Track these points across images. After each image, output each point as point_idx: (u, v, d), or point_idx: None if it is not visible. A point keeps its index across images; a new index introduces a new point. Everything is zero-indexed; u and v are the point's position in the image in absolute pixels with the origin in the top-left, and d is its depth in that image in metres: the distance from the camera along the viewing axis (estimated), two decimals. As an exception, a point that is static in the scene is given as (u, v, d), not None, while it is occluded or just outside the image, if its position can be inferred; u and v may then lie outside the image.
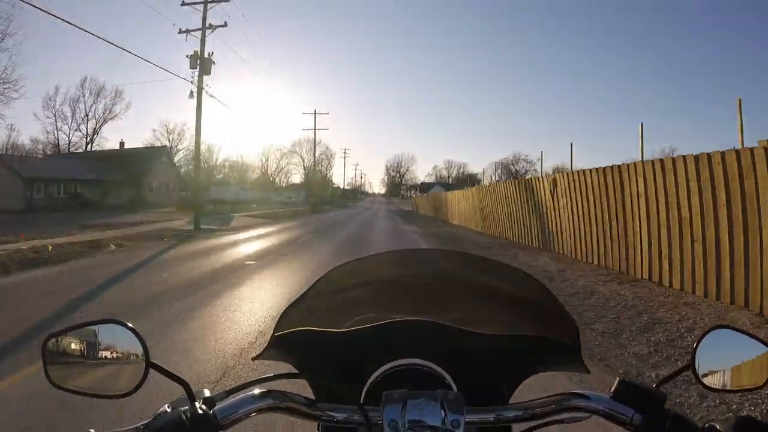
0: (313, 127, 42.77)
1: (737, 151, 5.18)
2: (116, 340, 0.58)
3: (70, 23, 14.21)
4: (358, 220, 27.09)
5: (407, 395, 0.58)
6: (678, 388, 2.92)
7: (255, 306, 5.21)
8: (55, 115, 48.81)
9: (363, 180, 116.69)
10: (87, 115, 48.91)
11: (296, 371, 0.70)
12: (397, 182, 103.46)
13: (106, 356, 0.58)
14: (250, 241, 13.26)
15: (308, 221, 24.34)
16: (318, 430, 0.67)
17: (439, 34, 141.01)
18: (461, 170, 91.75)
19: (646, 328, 4.40)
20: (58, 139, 48.91)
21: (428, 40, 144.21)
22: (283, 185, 76.34)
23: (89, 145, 48.69)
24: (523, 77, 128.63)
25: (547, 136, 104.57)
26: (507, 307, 0.74)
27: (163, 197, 40.09)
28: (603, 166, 7.83)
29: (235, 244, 12.54)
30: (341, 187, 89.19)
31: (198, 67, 17.66)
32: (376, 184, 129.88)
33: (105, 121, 49.99)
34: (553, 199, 9.86)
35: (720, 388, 0.61)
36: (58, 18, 13.05)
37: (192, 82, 17.53)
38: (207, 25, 17.83)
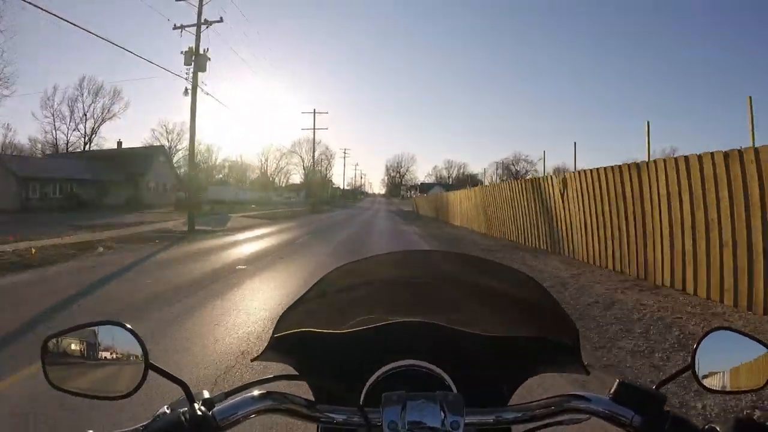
0: (312, 127, 42.24)
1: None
2: (115, 342, 0.58)
3: (69, 21, 13.74)
4: (357, 220, 26.70)
5: (407, 396, 0.58)
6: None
7: (239, 319, 4.70)
8: (53, 115, 48.69)
9: (363, 180, 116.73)
10: (85, 115, 48.82)
11: (296, 373, 0.70)
12: (397, 182, 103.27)
13: (105, 357, 0.58)
14: (244, 243, 12.75)
15: (307, 222, 23.93)
16: (317, 431, 0.66)
17: (439, 34, 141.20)
18: (461, 170, 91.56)
19: (680, 345, 3.89)
20: (56, 139, 48.79)
21: (428, 40, 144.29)
22: (283, 185, 76.12)
23: (88, 145, 48.43)
24: (523, 77, 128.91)
25: (547, 136, 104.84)
26: (506, 309, 0.73)
27: (161, 197, 39.88)
28: (619, 164, 7.32)
29: (228, 246, 12.03)
30: (341, 187, 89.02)
31: (193, 63, 17.18)
32: (376, 184, 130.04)
33: (103, 120, 49.93)
34: (563, 200, 9.34)
35: (720, 389, 0.61)
36: (54, 15, 12.56)
37: (187, 79, 17.05)
38: (202, 21, 17.34)
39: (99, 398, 0.58)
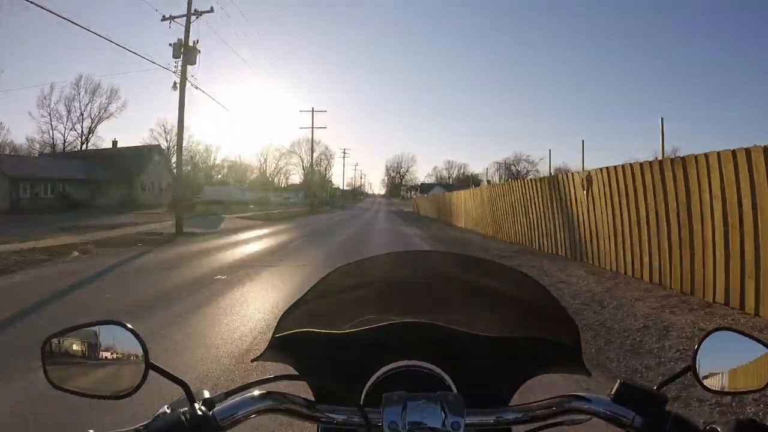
0: (310, 125, 41.20)
1: None
2: (116, 341, 0.58)
3: (49, 10, 12.66)
4: (357, 222, 25.81)
5: (407, 397, 0.58)
6: None
7: (195, 357, 3.69)
8: (50, 114, 47.89)
9: (363, 180, 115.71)
10: (82, 114, 47.98)
11: (296, 373, 0.69)
12: (397, 183, 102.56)
13: (105, 357, 0.58)
14: (232, 247, 11.76)
15: (304, 223, 23.01)
16: (317, 431, 0.66)
17: (439, 34, 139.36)
18: (461, 171, 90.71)
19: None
20: (53, 139, 48.08)
21: (428, 41, 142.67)
22: (282, 186, 75.29)
23: (85, 145, 47.67)
24: (523, 77, 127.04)
25: (547, 136, 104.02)
26: (507, 309, 0.73)
27: (157, 197, 39.19)
28: (661, 159, 6.30)
29: (214, 250, 11.02)
30: (341, 187, 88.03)
31: (182, 56, 16.20)
32: (376, 184, 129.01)
33: (101, 119, 49.16)
34: (586, 200, 8.32)
35: (721, 390, 0.61)
36: (36, 5, 11.62)
37: (175, 72, 16.08)
38: (192, 11, 16.36)
39: (99, 398, 0.57)
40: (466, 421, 0.56)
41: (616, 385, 0.58)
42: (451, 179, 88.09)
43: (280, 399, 0.59)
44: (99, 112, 48.53)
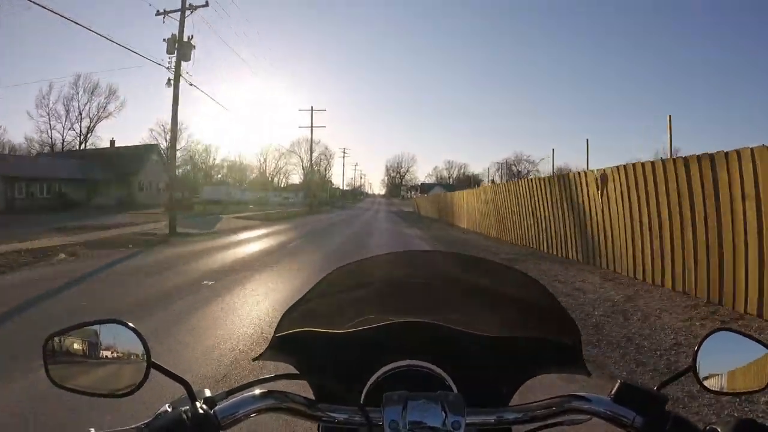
0: (310, 125, 40.70)
1: None
2: (117, 340, 0.57)
3: (42, 5, 12.16)
4: (356, 222, 25.34)
5: (408, 396, 0.58)
6: None
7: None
8: (48, 114, 47.35)
9: (363, 180, 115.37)
10: (81, 114, 47.50)
11: (297, 372, 0.69)
12: (397, 183, 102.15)
13: (107, 356, 0.57)
14: (226, 249, 11.27)
15: (303, 223, 22.54)
16: (318, 430, 0.66)
17: (439, 34, 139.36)
18: (462, 171, 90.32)
19: None
20: (52, 138, 47.56)
21: (428, 41, 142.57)
22: (282, 186, 74.83)
23: (83, 144, 47.21)
24: (523, 77, 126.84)
25: (547, 136, 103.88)
26: (507, 309, 0.72)
27: (154, 197, 38.80)
28: (686, 155, 5.80)
29: (206, 252, 10.52)
30: (340, 187, 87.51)
31: (176, 51, 15.74)
32: (376, 184, 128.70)
33: (99, 119, 48.64)
34: (600, 200, 7.83)
35: (721, 390, 0.60)
36: (45, 8, 11.15)
37: (169, 68, 15.63)
38: (186, 5, 15.89)
39: (101, 396, 0.57)
40: (467, 421, 0.56)
41: (617, 385, 0.58)
42: (451, 179, 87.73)
43: (281, 398, 0.59)
44: (98, 112, 48.10)
